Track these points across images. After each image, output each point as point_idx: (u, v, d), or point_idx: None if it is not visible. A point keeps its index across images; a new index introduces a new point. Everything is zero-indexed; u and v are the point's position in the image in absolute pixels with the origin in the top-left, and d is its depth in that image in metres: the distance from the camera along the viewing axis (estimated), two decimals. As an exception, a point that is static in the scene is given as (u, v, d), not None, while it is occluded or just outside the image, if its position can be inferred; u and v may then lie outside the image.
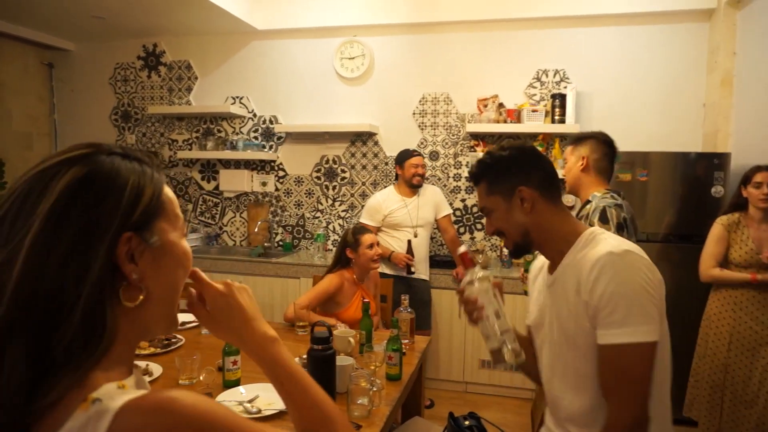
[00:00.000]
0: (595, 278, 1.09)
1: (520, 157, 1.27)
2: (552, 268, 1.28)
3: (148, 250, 0.63)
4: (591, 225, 1.69)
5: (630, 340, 1.05)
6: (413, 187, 3.37)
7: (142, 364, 1.91)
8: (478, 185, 1.30)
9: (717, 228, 2.58)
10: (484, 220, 3.85)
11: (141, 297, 0.62)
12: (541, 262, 1.40)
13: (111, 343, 0.60)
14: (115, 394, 0.56)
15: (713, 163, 3.08)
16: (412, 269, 3.29)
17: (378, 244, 2.73)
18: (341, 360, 1.78)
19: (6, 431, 0.54)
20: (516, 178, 1.23)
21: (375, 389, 1.67)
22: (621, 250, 1.10)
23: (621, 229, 1.83)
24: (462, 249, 1.25)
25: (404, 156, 3.38)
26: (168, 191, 0.68)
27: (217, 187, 4.39)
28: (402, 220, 3.34)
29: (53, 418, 0.55)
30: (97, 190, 0.59)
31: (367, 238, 2.61)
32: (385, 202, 3.36)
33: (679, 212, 3.17)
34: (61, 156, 0.60)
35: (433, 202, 3.45)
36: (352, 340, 2.07)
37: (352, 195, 4.15)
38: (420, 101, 3.96)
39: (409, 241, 3.32)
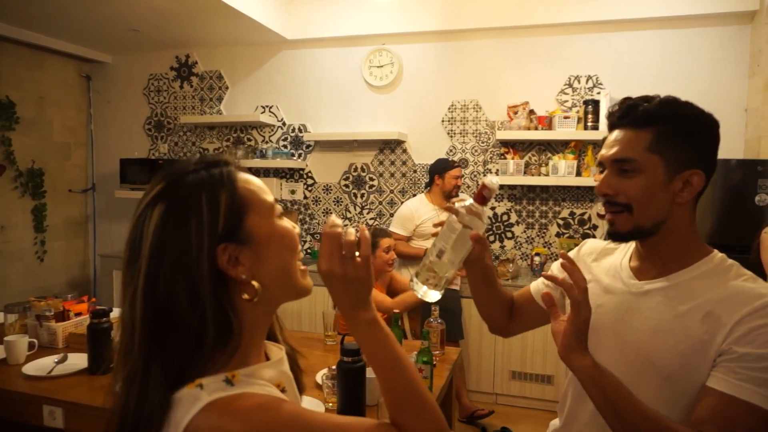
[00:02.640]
0: (756, 324, 0.88)
1: (714, 131, 0.96)
2: (644, 275, 1.03)
3: (247, 249, 0.68)
4: None
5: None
6: (451, 198, 3.34)
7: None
8: (640, 128, 0.95)
9: None
10: (514, 228, 3.82)
11: (258, 289, 0.69)
12: (600, 246, 1.17)
13: (241, 339, 0.68)
14: (214, 387, 0.64)
15: (757, 170, 2.95)
16: None
17: (394, 249, 2.77)
18: (372, 372, 1.75)
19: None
20: (698, 155, 0.95)
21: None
22: None
23: None
24: (489, 181, 0.99)
25: (445, 166, 3.34)
26: (246, 182, 0.71)
27: (246, 195, 4.43)
28: (434, 229, 3.30)
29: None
30: (178, 222, 0.65)
31: (384, 242, 2.68)
32: (418, 212, 3.33)
33: (719, 221, 3.05)
34: (146, 197, 0.68)
35: (463, 211, 3.40)
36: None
37: (381, 203, 4.14)
38: (449, 108, 3.93)
39: None
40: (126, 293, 0.67)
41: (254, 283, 0.69)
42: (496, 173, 3.81)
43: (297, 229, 0.77)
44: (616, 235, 1.02)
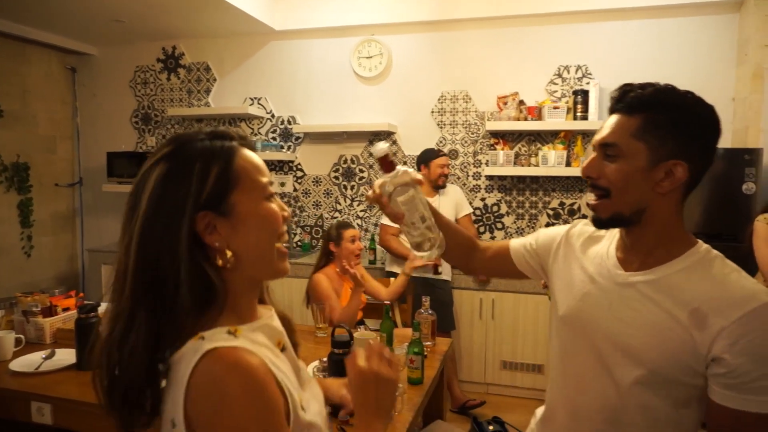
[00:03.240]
0: (745, 331, 0.86)
1: (709, 124, 0.95)
2: (629, 265, 1.02)
3: (226, 220, 0.74)
4: None
5: None
6: (438, 187, 3.32)
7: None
8: (631, 114, 0.95)
9: (764, 227, 2.44)
10: (504, 219, 3.83)
11: (229, 258, 0.74)
12: (589, 231, 1.16)
13: (225, 296, 0.73)
14: (218, 338, 0.69)
15: (744, 159, 2.98)
16: (440, 269, 3.23)
17: (360, 239, 2.78)
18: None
19: (138, 380, 0.70)
20: (686, 146, 0.93)
21: (397, 394, 1.64)
22: None
23: None
24: (376, 150, 1.06)
25: (430, 155, 3.32)
26: (242, 160, 0.76)
27: (236, 188, 4.40)
28: None
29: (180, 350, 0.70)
30: (172, 183, 0.72)
31: (349, 233, 2.70)
32: None
33: (707, 210, 3.08)
34: (154, 156, 0.75)
35: (453, 202, 3.41)
36: (372, 342, 2.04)
37: (371, 195, 4.12)
38: (439, 99, 3.91)
39: None
40: (123, 240, 0.73)
41: (227, 252, 0.74)
42: (486, 164, 3.81)
43: (286, 212, 0.81)
44: (597, 221, 1.02)
